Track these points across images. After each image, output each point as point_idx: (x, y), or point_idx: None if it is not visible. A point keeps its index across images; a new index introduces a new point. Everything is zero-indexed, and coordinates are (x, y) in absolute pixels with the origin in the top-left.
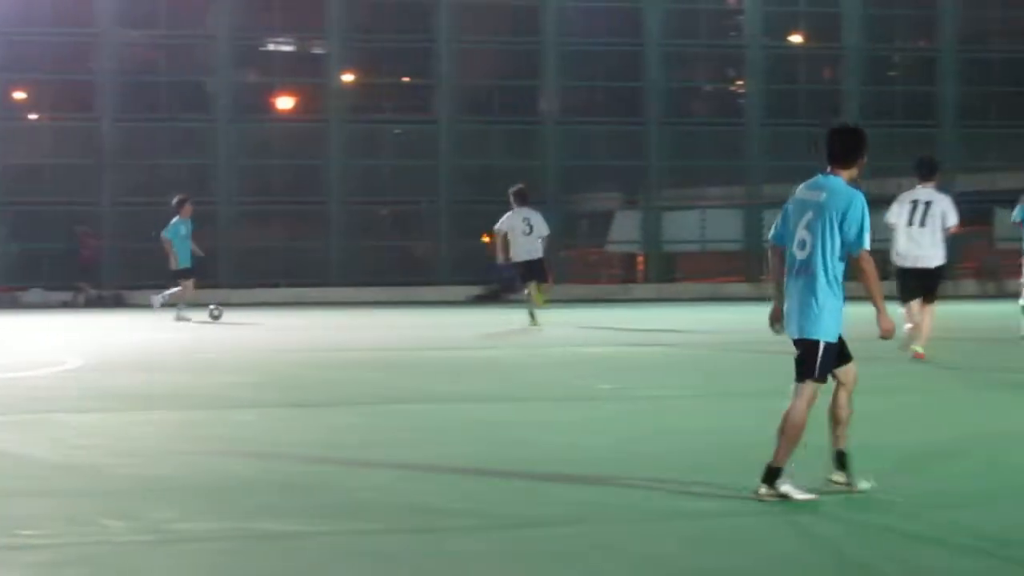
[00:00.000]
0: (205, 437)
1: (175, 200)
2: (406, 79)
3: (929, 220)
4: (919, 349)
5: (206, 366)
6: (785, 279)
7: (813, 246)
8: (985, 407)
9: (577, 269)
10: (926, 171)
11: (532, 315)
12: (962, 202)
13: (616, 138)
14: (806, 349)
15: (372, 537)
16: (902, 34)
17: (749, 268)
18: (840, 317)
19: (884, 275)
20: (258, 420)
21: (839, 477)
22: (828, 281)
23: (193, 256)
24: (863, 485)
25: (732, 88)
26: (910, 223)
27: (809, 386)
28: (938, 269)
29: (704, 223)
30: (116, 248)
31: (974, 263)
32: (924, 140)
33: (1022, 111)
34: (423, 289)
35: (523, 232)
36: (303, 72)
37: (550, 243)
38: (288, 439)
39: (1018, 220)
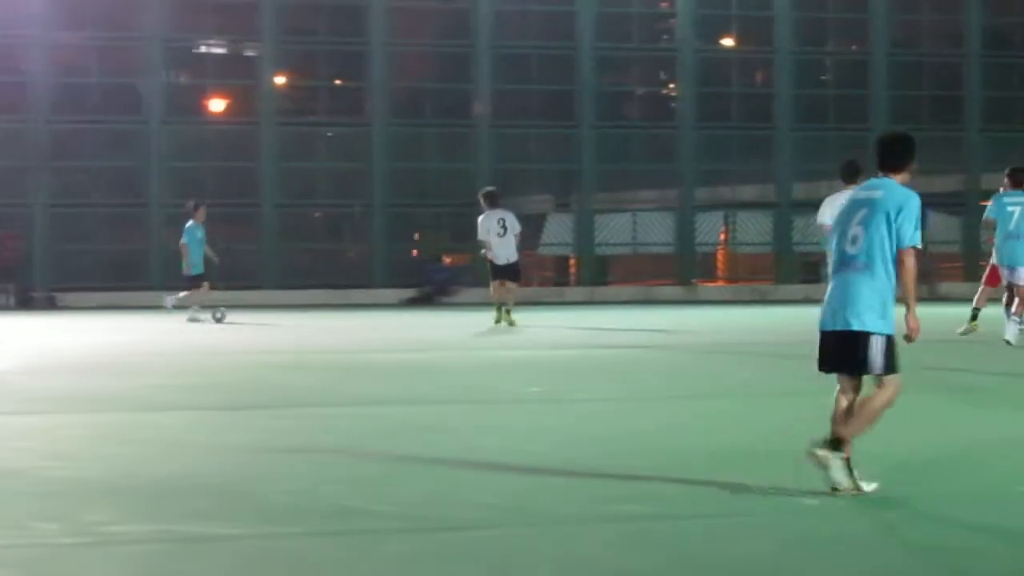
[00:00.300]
0: (136, 440)
1: (191, 204)
2: (339, 82)
3: None
4: None
5: (137, 369)
6: (832, 274)
7: (866, 241)
8: (935, 410)
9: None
10: (850, 174)
11: (508, 313)
12: None
13: (549, 141)
14: (859, 343)
15: (297, 540)
16: (834, 38)
17: (681, 271)
18: (893, 312)
19: (818, 276)
20: (189, 423)
21: (821, 451)
22: (881, 276)
23: (206, 260)
24: (868, 487)
25: (664, 92)
26: None
27: (891, 379)
28: None
29: (636, 226)
30: (49, 250)
31: None
32: (857, 143)
33: (953, 113)
34: (356, 292)
35: (498, 234)
36: (235, 74)
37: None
38: (218, 442)
39: (992, 217)
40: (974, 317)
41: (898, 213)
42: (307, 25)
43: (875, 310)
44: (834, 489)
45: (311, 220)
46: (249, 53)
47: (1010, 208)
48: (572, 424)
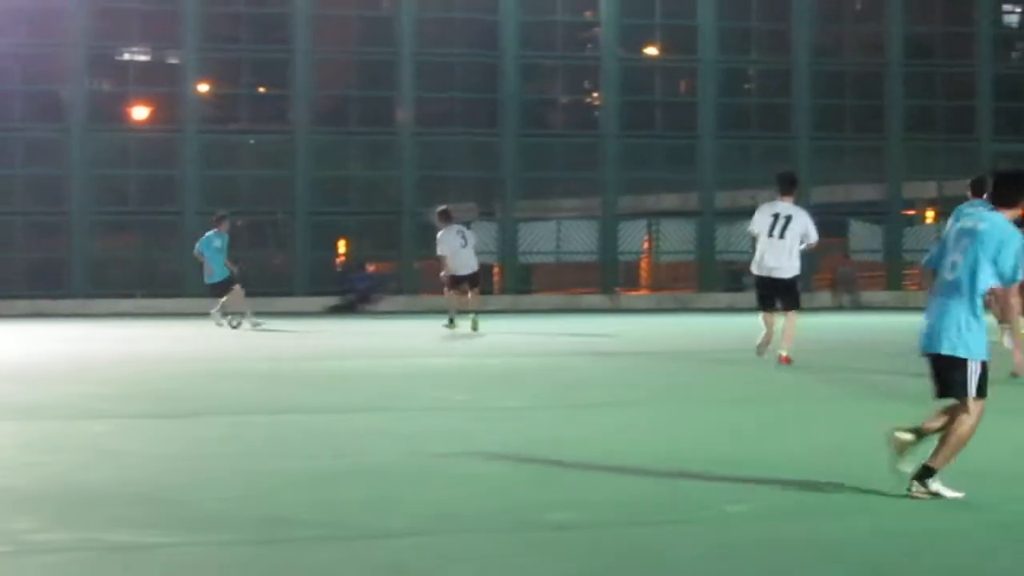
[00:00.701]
0: (62, 448)
1: (218, 213)
2: (262, 89)
3: (788, 234)
4: (784, 353)
5: (64, 377)
6: (929, 298)
7: (963, 269)
8: (854, 415)
9: (433, 280)
10: (786, 185)
11: (475, 319)
12: (818, 214)
13: (472, 149)
14: (954, 367)
15: (226, 548)
16: (757, 47)
17: (604, 279)
18: (985, 338)
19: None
20: (115, 431)
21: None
22: (974, 303)
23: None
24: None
25: (588, 100)
26: (770, 234)
27: (976, 404)
28: (792, 280)
29: (560, 234)
30: None
31: (829, 275)
32: (779, 152)
33: (875, 123)
34: (280, 300)
35: (460, 246)
36: (158, 82)
37: (409, 253)
38: (144, 450)
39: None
40: None
41: (998, 251)
42: (230, 33)
43: (966, 336)
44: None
45: (234, 228)
46: (172, 60)
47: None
48: (499, 431)
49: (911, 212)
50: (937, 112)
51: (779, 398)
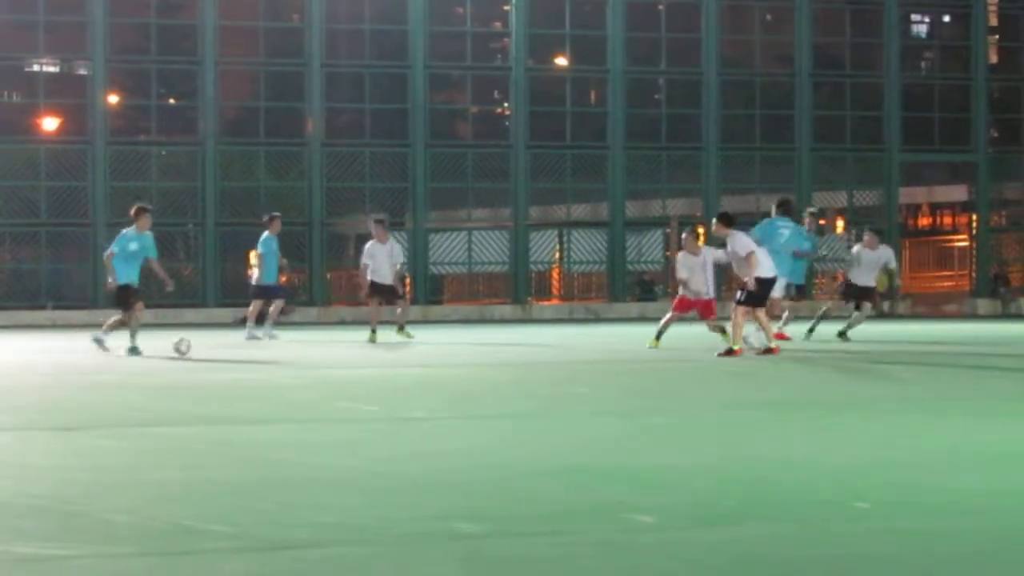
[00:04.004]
0: None
1: (266, 217)
2: (171, 100)
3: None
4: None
5: None
6: None
7: None
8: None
9: (343, 291)
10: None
11: (403, 329)
12: None
13: (381, 160)
14: None
15: (132, 560)
16: (667, 57)
17: (515, 290)
18: None
19: (653, 294)
20: (13, 442)
21: None
22: None
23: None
24: None
25: (498, 111)
26: None
27: None
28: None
29: (471, 245)
30: None
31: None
32: (688, 162)
33: (784, 133)
34: (188, 311)
35: (387, 256)
36: (66, 93)
37: (319, 264)
38: (44, 462)
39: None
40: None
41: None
42: (138, 44)
43: None
44: None
45: None
46: (80, 72)
47: (783, 229)
48: (408, 442)
49: (822, 221)
50: (846, 123)
51: (679, 408)
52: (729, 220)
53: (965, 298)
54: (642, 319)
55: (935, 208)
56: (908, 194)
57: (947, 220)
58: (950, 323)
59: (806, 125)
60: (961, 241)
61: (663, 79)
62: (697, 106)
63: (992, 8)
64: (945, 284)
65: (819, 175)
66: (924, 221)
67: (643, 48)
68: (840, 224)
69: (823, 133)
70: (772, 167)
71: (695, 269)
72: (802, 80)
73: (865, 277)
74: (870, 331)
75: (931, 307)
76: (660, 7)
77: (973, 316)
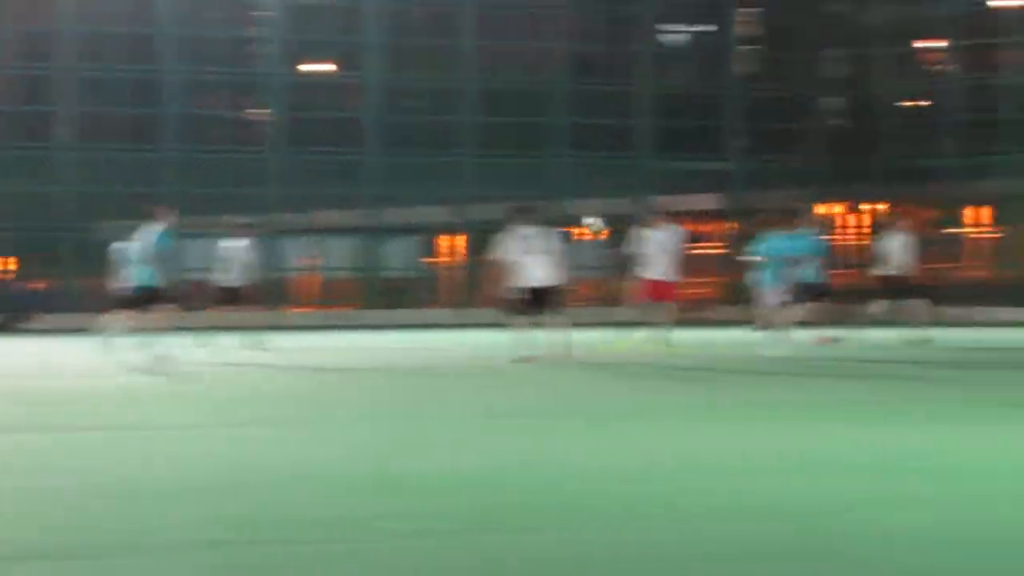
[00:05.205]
0: None
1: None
2: None
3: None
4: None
5: None
6: None
7: None
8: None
9: (97, 298)
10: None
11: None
12: (485, 230)
13: (132, 164)
14: None
15: None
16: (425, 65)
17: (267, 296)
18: None
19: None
20: None
21: None
22: None
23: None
24: None
25: (253, 116)
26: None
27: None
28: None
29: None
30: None
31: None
32: (444, 169)
33: (539, 140)
34: None
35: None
36: None
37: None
38: None
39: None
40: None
41: None
42: None
43: None
44: None
45: None
46: None
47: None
48: (165, 452)
49: (575, 228)
50: (600, 130)
51: (444, 414)
52: (524, 215)
53: (716, 305)
54: (393, 325)
55: (688, 216)
56: (663, 202)
57: (702, 228)
58: (704, 330)
59: (561, 133)
60: (714, 249)
61: (420, 86)
62: (454, 113)
63: (747, 19)
64: (700, 291)
65: (573, 182)
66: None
67: (400, 55)
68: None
69: (578, 140)
70: (524, 174)
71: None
72: (558, 88)
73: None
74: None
75: (683, 313)
76: (417, 15)
77: (727, 323)
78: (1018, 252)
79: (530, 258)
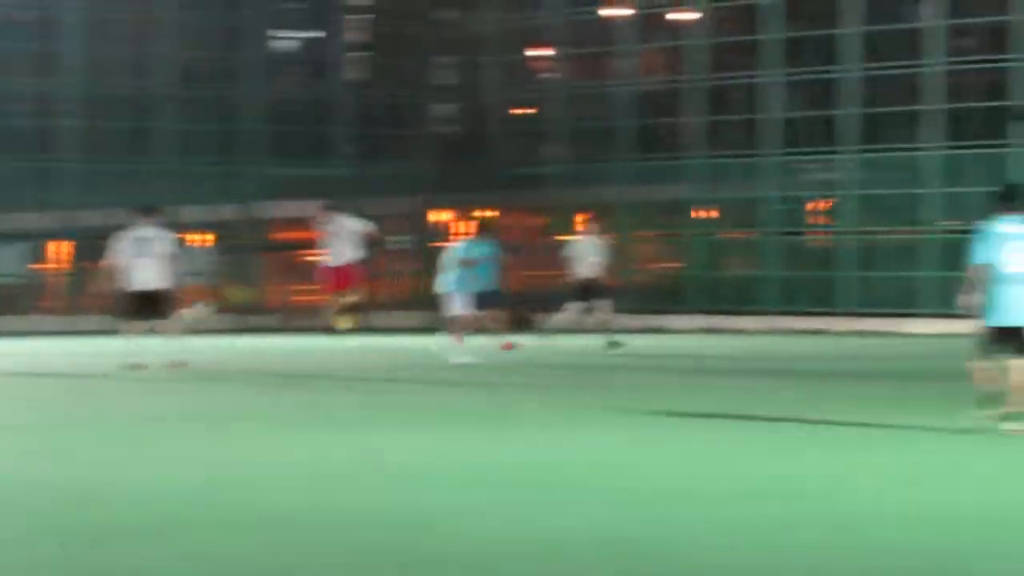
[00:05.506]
0: None
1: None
2: None
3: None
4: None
5: None
6: (997, 287)
7: None
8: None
9: None
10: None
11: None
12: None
13: None
14: None
15: None
16: (25, 70)
17: None
18: None
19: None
20: None
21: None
22: None
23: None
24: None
25: None
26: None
27: None
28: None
29: None
30: None
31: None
32: (46, 175)
33: (145, 147)
34: None
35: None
36: None
37: None
38: None
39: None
40: None
41: None
42: None
43: None
44: None
45: None
46: None
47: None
48: None
49: (186, 235)
50: (206, 136)
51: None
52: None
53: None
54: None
55: (294, 223)
56: (276, 208)
57: (310, 235)
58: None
59: (169, 138)
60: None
61: (15, 90)
62: (57, 117)
63: (358, 26)
64: (309, 298)
65: (182, 188)
66: (289, 235)
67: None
68: (206, 238)
69: (186, 146)
70: (135, 181)
71: None
72: (166, 93)
73: None
74: (253, 345)
75: (295, 320)
76: (19, 19)
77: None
78: (628, 258)
79: (140, 261)
